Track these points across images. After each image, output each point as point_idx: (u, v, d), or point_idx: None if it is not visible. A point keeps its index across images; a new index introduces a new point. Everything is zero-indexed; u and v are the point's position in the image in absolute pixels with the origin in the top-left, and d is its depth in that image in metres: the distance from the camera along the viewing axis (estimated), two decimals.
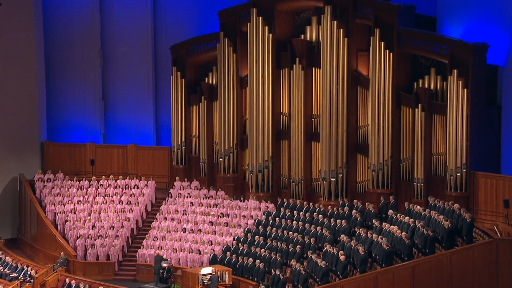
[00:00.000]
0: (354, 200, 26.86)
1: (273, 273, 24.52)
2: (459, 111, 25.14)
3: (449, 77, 25.38)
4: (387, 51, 26.76)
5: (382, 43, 26.80)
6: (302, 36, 29.33)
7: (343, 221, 25.58)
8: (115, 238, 29.33)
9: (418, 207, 24.44)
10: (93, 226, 29.86)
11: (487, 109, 25.93)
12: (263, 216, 28.22)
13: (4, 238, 32.53)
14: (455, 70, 25.15)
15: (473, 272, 21.61)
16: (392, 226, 23.63)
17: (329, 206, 27.10)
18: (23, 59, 33.52)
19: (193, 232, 28.65)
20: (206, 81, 32.10)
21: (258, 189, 29.81)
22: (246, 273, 25.84)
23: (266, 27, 29.47)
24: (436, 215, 23.12)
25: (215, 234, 28.34)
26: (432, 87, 26.46)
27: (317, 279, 23.37)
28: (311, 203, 27.87)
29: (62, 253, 28.99)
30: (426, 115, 26.17)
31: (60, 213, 30.70)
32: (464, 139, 25.14)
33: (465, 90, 25.01)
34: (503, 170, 25.59)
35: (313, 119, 29.09)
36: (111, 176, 32.45)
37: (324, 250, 24.42)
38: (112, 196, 31.28)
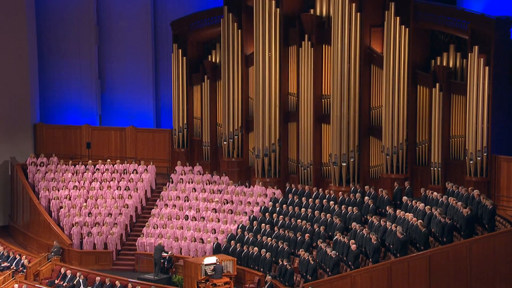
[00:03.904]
0: (367, 186, 26.76)
1: (280, 263, 24.47)
2: (480, 90, 25.03)
3: (469, 54, 25.23)
4: (403, 26, 26.63)
5: (398, 18, 26.65)
6: (312, 10, 29.12)
7: (354, 208, 25.49)
8: (113, 225, 29.30)
9: (435, 193, 24.33)
10: (90, 213, 29.83)
11: (510, 89, 25.79)
12: (270, 202, 28.15)
13: None
14: (476, 47, 25.00)
15: (494, 262, 21.55)
16: (407, 214, 23.56)
17: (340, 192, 27.03)
18: (13, 36, 33.40)
19: (195, 220, 28.61)
20: (209, 59, 31.98)
21: (264, 174, 29.73)
22: (251, 263, 25.81)
23: (273, 1, 29.25)
24: (454, 201, 23.02)
25: (218, 221, 28.29)
26: (451, 65, 26.36)
27: (327, 270, 23.31)
28: (320, 189, 27.80)
29: (55, 241, 28.96)
30: (444, 95, 26.05)
31: (54, 199, 30.68)
32: (485, 121, 25.05)
33: (487, 68, 24.88)
34: None
35: (323, 100, 28.94)
36: (109, 160, 32.40)
37: (334, 238, 24.35)
38: (109, 182, 31.25)
